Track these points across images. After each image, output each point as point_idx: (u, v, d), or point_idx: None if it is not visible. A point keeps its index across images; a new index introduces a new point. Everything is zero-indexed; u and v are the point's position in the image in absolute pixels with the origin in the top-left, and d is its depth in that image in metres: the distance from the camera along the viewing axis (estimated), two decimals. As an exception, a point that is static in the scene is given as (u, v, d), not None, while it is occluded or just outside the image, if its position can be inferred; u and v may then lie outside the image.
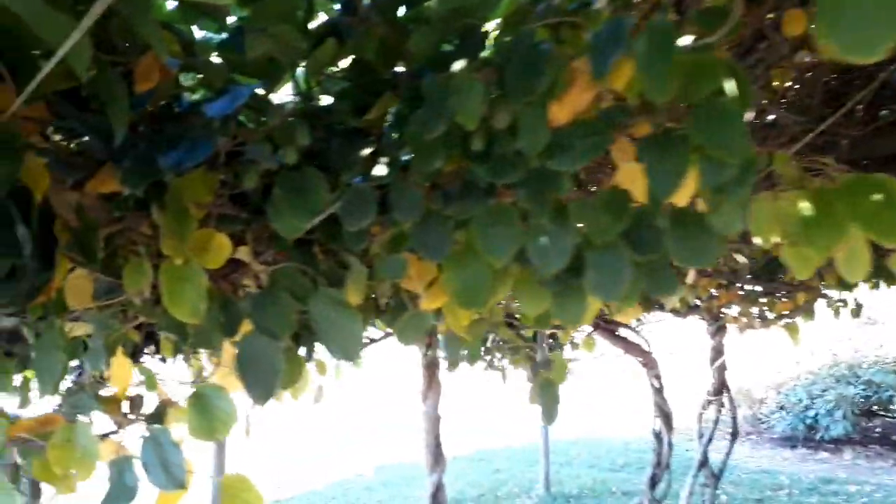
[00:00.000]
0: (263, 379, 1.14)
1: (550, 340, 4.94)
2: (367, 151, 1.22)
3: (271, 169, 1.28)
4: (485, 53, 1.10)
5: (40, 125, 1.09)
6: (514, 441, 10.51)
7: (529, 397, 1.67)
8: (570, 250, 1.06)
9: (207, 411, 1.10)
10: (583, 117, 0.99)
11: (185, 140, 1.00)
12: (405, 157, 1.26)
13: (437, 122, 0.99)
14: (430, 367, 3.45)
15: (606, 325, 4.09)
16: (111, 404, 1.14)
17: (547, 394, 1.48)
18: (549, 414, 1.47)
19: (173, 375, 1.91)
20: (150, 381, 1.19)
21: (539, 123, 0.94)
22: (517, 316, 2.39)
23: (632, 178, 1.16)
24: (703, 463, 5.38)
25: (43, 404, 1.51)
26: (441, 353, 3.88)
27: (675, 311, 4.52)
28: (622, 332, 4.25)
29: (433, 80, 1.01)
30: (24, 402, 1.76)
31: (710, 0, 1.09)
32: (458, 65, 1.05)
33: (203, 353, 1.74)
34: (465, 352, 1.76)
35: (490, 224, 1.12)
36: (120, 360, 1.35)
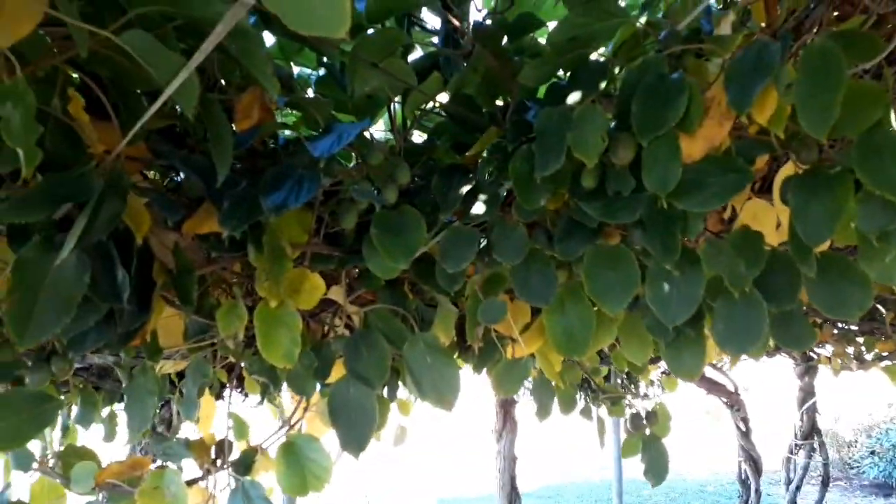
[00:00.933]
0: (357, 428, 1.07)
1: (625, 377, 4.75)
2: (465, 189, 1.15)
3: (366, 208, 1.23)
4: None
5: (141, 164, 1.07)
6: (582, 477, 10.19)
7: (624, 450, 1.55)
8: (698, 299, 0.96)
9: (300, 464, 1.04)
10: (717, 152, 0.90)
11: (289, 180, 0.96)
12: (504, 194, 1.19)
13: (553, 157, 0.92)
14: (506, 405, 3.34)
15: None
16: (199, 449, 1.10)
17: (653, 450, 1.36)
18: (658, 472, 1.35)
19: (254, 414, 1.88)
20: (240, 429, 1.14)
21: (671, 159, 0.85)
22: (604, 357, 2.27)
23: (759, 216, 1.05)
24: (792, 512, 5.04)
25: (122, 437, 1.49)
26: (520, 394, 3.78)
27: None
28: (706, 370, 4.04)
29: (549, 113, 0.94)
30: (111, 436, 1.75)
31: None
32: (573, 97, 0.97)
33: (287, 392, 1.69)
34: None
35: (603, 267, 1.04)
36: (207, 402, 1.31)
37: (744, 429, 4.21)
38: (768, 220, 1.08)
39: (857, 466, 9.60)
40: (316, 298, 1.19)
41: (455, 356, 1.92)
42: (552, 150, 0.93)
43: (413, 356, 1.15)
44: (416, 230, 1.12)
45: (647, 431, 1.40)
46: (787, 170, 0.98)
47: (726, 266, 0.95)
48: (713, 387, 4.05)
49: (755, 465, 4.27)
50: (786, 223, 1.01)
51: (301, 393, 1.14)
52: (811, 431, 5.17)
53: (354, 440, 1.08)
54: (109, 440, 1.74)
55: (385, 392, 1.88)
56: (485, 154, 1.34)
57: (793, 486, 5.08)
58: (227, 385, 2.24)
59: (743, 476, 4.36)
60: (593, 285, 1.04)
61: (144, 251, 0.96)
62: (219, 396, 1.99)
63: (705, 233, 1.01)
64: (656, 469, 1.38)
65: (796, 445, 5.26)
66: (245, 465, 1.11)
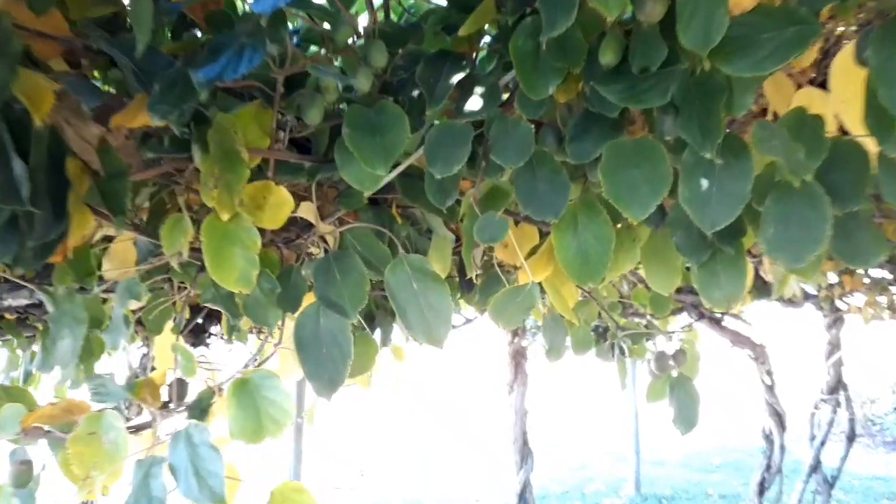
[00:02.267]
0: (329, 366, 0.90)
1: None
2: (458, 78, 0.95)
3: (341, 106, 1.03)
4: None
5: (60, 47, 0.88)
6: (597, 434, 10.10)
7: (649, 394, 1.37)
8: (744, 196, 0.76)
9: (255, 405, 0.87)
10: (772, 1, 0.69)
11: (227, 50, 0.76)
12: (506, 85, 0.99)
13: (561, 11, 0.72)
14: (517, 356, 3.18)
15: (711, 314, 3.70)
16: (146, 391, 0.93)
17: (682, 393, 1.18)
18: (688, 418, 1.17)
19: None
20: (189, 365, 0.97)
21: (715, 4, 0.64)
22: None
23: (816, 99, 0.84)
24: (815, 468, 4.88)
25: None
26: (530, 340, 3.61)
27: (789, 301, 4.08)
28: (727, 321, 3.85)
29: None
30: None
31: None
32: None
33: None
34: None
35: (626, 164, 0.84)
36: (164, 339, 1.14)
37: (769, 382, 4.02)
38: (824, 113, 0.87)
39: (881, 423, 9.43)
40: (283, 216, 1.01)
41: (457, 297, 1.74)
42: (560, 2, 0.72)
43: (396, 282, 0.96)
44: (397, 129, 0.93)
45: (675, 373, 1.22)
46: (846, 54, 0.77)
47: (782, 153, 0.75)
48: (738, 338, 3.86)
49: (780, 420, 4.10)
50: (848, 117, 0.80)
51: (263, 323, 0.96)
52: (837, 386, 4.98)
53: (325, 380, 0.90)
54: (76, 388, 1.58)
55: (378, 337, 1.71)
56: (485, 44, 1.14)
57: (817, 442, 4.92)
58: (209, 329, 2.08)
59: (767, 431, 4.19)
60: (614, 186, 0.84)
61: (54, 143, 0.78)
62: (197, 341, 1.83)
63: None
64: (686, 415, 1.19)
65: (821, 400, 5.08)
66: (201, 408, 0.95)
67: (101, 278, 1.17)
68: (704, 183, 0.78)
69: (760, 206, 0.81)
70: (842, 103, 0.78)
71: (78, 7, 0.91)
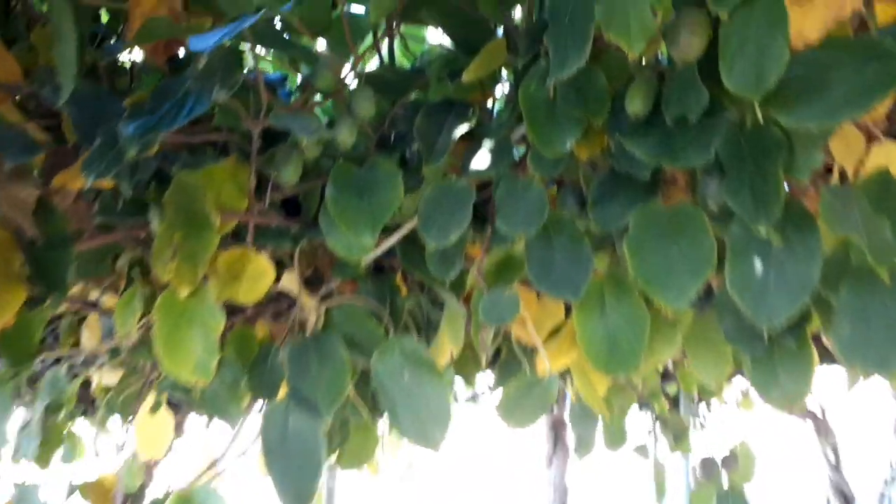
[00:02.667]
0: (296, 478, 0.74)
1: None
2: (462, 130, 0.81)
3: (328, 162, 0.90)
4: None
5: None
6: None
7: (692, 501, 1.16)
8: (811, 283, 0.59)
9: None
10: (844, 31, 0.53)
11: (170, 97, 0.64)
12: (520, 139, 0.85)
13: (573, 48, 0.57)
14: (557, 427, 2.95)
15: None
16: (95, 494, 0.78)
17: (735, 506, 0.98)
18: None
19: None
20: (73, 450, 0.82)
21: (772, 35, 0.49)
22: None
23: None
24: (889, 554, 4.43)
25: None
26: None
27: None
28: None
29: None
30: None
31: None
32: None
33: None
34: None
35: (659, 238, 0.68)
36: (142, 422, 1.01)
37: (833, 459, 3.67)
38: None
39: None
40: (261, 288, 0.87)
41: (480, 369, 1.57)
42: (571, 36, 0.58)
43: (385, 370, 0.81)
44: (388, 190, 0.79)
45: (724, 481, 1.02)
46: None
47: (860, 229, 0.58)
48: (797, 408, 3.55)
49: (846, 501, 3.72)
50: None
51: (223, 418, 0.82)
52: (911, 463, 4.55)
53: (292, 494, 0.75)
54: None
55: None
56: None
57: (890, 526, 4.48)
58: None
59: (832, 514, 3.82)
60: (644, 265, 0.68)
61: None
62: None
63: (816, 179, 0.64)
64: (738, 534, 0.99)
65: (892, 478, 4.65)
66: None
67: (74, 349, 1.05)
68: (758, 265, 0.61)
69: (830, 294, 0.63)
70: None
71: (46, 51, 0.81)
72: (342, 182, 0.80)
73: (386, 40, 0.98)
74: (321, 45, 1.03)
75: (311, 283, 1.12)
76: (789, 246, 0.58)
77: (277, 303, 1.07)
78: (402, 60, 1.12)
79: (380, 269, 1.09)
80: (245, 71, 0.75)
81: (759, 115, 0.52)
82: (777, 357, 0.81)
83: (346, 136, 0.76)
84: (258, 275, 0.87)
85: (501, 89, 0.97)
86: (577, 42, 0.57)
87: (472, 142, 0.86)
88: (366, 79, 0.83)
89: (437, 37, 1.04)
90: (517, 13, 0.88)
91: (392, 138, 0.89)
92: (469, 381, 1.40)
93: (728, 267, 0.62)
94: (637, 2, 0.52)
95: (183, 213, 0.78)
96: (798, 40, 0.51)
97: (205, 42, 0.56)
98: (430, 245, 0.77)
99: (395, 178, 0.80)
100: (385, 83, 0.87)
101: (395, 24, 0.93)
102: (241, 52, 0.66)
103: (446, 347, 1.03)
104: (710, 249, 0.66)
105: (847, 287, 0.61)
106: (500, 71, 0.96)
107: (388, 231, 0.94)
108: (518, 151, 0.85)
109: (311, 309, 0.88)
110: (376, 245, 0.88)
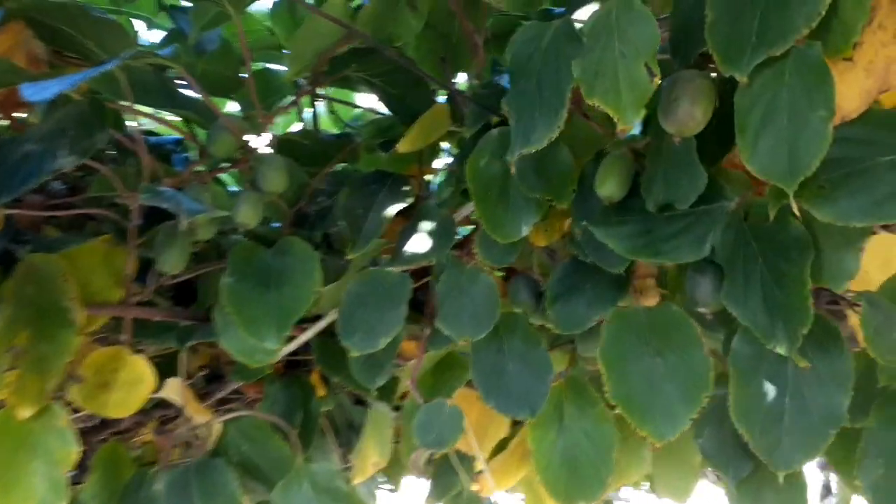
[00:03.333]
0: None
1: None
2: (396, 208, 0.67)
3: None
4: None
5: None
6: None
7: None
8: (840, 417, 0.46)
9: None
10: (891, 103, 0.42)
11: (3, 165, 0.47)
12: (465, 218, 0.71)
13: (542, 116, 0.45)
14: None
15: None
16: None
17: None
18: None
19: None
20: None
21: (811, 108, 0.37)
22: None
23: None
24: None
25: None
26: None
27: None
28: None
29: (534, 30, 0.48)
30: None
31: None
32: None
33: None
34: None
35: (638, 348, 0.54)
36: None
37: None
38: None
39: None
40: (138, 398, 0.70)
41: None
42: (540, 102, 0.45)
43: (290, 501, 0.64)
44: (302, 279, 0.64)
45: None
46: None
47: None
48: None
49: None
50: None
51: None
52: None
53: None
54: None
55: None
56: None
57: None
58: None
59: None
60: (623, 386, 0.54)
61: None
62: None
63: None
64: None
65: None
66: None
67: None
68: (771, 391, 0.48)
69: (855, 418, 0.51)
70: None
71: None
72: (243, 268, 0.64)
73: (313, 102, 0.85)
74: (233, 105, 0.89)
75: (210, 380, 0.95)
76: (816, 370, 0.46)
77: (165, 408, 0.88)
78: (329, 127, 0.98)
79: (293, 364, 0.92)
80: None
81: (795, 208, 0.39)
82: (765, 482, 0.69)
83: (247, 215, 0.61)
84: (134, 381, 0.70)
85: (443, 162, 0.85)
86: (548, 109, 0.44)
87: (408, 221, 0.72)
88: (279, 146, 0.69)
89: (370, 101, 0.91)
90: (463, 75, 0.76)
91: (312, 215, 0.74)
92: (394, 483, 1.21)
93: (731, 391, 0.49)
94: (629, 59, 0.40)
95: (31, 306, 0.61)
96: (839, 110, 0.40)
97: (42, 92, 0.40)
98: (352, 352, 0.62)
99: (311, 263, 0.65)
100: (304, 151, 0.73)
101: (318, 84, 0.80)
102: (104, 108, 0.50)
103: (370, 461, 0.86)
104: (705, 366, 0.53)
105: (878, 417, 0.49)
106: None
107: (303, 320, 0.79)
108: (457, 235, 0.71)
109: (200, 423, 0.70)
110: (287, 341, 0.71)
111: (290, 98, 0.66)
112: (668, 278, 0.65)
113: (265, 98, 0.80)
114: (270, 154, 0.61)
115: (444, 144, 0.90)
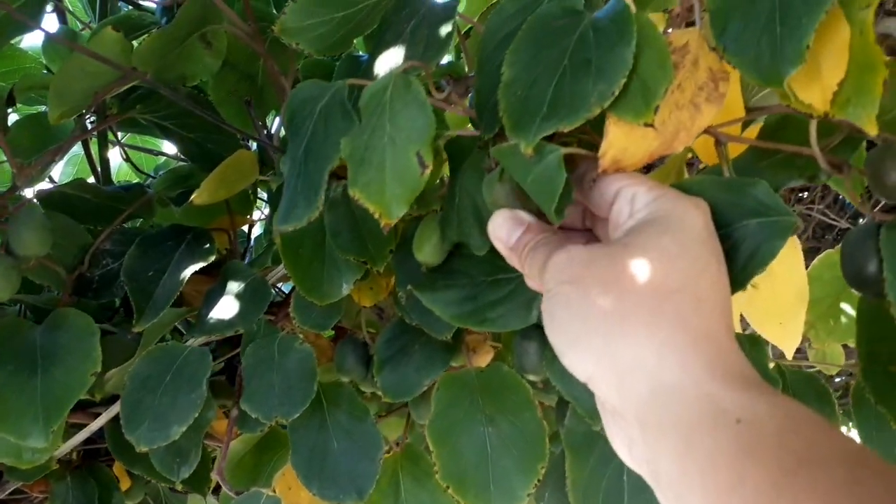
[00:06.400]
0: None
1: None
2: (195, 267, 0.58)
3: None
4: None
5: None
6: None
7: None
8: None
9: None
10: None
11: None
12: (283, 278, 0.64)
13: (305, 192, 0.39)
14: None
15: None
16: None
17: None
18: None
19: None
20: None
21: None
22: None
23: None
24: None
25: None
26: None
27: None
28: None
29: (311, 91, 0.41)
30: None
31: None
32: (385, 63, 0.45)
33: None
34: None
35: (471, 419, 0.49)
36: None
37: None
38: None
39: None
40: None
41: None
42: (305, 171, 0.39)
43: None
44: (75, 362, 0.53)
45: None
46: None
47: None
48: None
49: None
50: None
51: None
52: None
53: None
54: None
55: None
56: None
57: None
58: None
59: None
60: (453, 462, 0.48)
61: None
62: None
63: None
64: None
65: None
66: None
67: None
68: (609, 470, 0.44)
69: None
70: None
71: None
72: (2, 350, 0.52)
73: (101, 149, 0.74)
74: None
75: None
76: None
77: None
78: (128, 177, 0.87)
79: (91, 453, 0.79)
80: None
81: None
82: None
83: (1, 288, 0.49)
84: None
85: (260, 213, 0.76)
86: (308, 186, 0.38)
87: (214, 283, 0.63)
88: (49, 200, 0.57)
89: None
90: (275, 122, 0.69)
91: (95, 281, 0.62)
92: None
93: (568, 470, 0.45)
94: (399, 146, 0.34)
95: None
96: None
97: None
98: (139, 446, 0.51)
99: (89, 340, 0.54)
100: (85, 206, 0.62)
101: (98, 128, 0.69)
102: None
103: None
104: (539, 433, 0.48)
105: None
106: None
107: (96, 404, 0.67)
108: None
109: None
110: (66, 435, 0.60)
111: (56, 145, 0.55)
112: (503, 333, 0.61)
113: (42, 145, 0.68)
114: (26, 211, 0.50)
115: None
